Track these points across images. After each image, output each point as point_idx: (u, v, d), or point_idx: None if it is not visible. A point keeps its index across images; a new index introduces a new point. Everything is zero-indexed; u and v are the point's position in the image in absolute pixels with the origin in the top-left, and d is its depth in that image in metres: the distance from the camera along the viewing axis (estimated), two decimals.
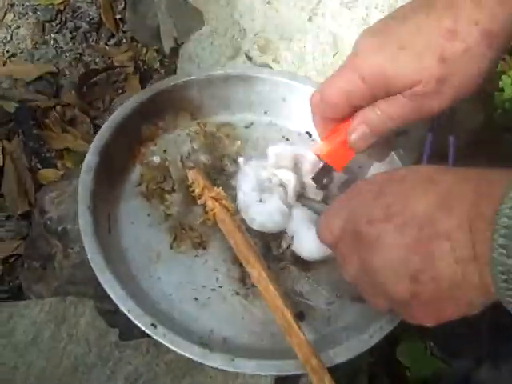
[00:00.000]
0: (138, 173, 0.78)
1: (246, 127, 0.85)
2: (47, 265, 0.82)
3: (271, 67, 0.89)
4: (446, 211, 0.51)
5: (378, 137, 0.70)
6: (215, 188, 0.74)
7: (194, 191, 0.75)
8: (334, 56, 0.89)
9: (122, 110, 0.79)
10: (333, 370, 0.61)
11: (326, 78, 0.86)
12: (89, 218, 0.69)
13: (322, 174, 0.76)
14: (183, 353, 0.61)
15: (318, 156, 0.76)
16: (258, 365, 0.62)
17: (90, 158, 0.73)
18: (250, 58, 0.90)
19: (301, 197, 0.77)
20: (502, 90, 1.16)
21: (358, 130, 0.70)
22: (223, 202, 0.74)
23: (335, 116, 0.71)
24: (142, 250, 0.72)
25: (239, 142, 0.82)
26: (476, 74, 0.63)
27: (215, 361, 0.61)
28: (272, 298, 0.65)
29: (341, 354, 0.64)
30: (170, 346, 0.61)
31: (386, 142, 0.75)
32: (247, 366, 0.62)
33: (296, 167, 0.77)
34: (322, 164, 0.76)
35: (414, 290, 0.53)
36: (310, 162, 0.77)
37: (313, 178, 0.76)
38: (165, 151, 0.80)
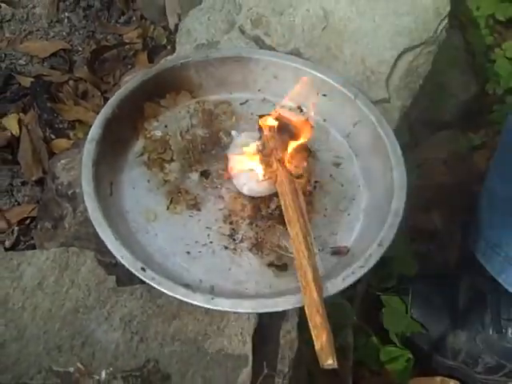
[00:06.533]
0: (141, 145, 0.85)
1: (242, 104, 0.90)
2: (58, 225, 0.88)
3: (263, 40, 0.94)
4: None
5: None
6: (283, 152, 0.79)
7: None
8: (323, 29, 0.94)
9: (125, 88, 0.85)
10: None
11: (313, 50, 0.92)
12: (90, 180, 0.76)
13: None
14: (168, 292, 0.68)
15: None
16: (234, 303, 0.68)
17: (94, 130, 0.81)
18: (243, 32, 0.95)
19: None
20: (494, 61, 1.19)
21: None
22: (288, 165, 0.78)
23: None
24: (141, 211, 0.79)
25: (234, 118, 0.89)
26: None
27: (196, 299, 0.68)
28: (300, 257, 0.71)
29: None
30: (157, 287, 0.68)
31: None
32: (225, 304, 0.68)
33: None
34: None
35: None
36: None
37: None
38: (166, 126, 0.87)
